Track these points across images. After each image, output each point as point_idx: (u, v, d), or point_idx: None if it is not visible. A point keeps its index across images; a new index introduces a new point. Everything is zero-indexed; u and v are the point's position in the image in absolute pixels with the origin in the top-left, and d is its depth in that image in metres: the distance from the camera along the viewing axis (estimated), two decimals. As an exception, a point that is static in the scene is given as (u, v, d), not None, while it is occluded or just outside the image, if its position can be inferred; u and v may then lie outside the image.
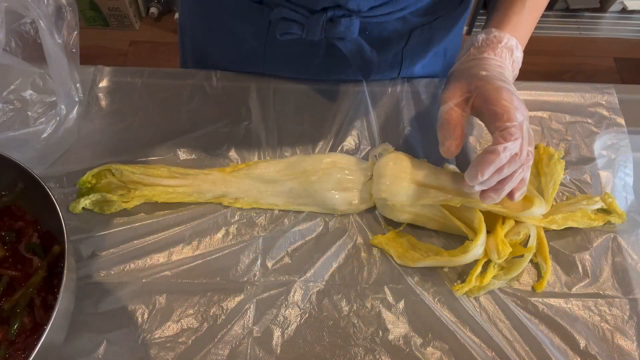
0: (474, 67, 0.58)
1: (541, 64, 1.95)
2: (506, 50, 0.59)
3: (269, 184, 0.64)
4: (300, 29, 0.64)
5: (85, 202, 0.61)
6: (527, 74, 0.74)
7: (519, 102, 0.54)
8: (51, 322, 0.43)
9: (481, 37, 0.60)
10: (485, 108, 0.54)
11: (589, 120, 0.72)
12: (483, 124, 0.71)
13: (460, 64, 0.60)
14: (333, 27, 0.63)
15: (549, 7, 2.04)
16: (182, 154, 0.67)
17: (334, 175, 0.63)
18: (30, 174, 0.51)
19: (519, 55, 0.60)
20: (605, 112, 0.73)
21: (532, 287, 0.59)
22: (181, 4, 0.82)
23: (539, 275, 0.60)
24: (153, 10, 2.01)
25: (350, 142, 0.69)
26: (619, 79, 1.97)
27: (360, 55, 0.66)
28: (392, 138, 0.69)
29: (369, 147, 0.68)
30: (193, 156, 0.67)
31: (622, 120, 0.72)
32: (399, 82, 0.74)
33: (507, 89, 0.54)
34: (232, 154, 0.68)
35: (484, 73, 0.56)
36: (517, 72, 0.61)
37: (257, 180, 0.64)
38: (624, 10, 2.09)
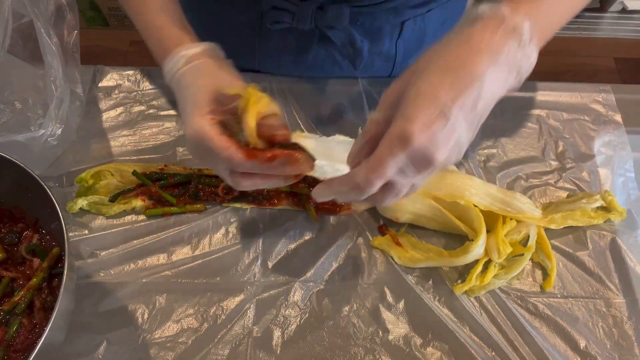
0: (436, 61, 0.40)
1: (541, 64, 1.91)
2: (510, 40, 0.40)
3: None
4: (291, 18, 0.64)
5: (82, 202, 0.61)
6: (526, 74, 0.73)
7: (418, 151, 0.38)
8: (51, 323, 0.43)
9: (483, 10, 0.41)
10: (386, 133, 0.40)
11: (586, 118, 0.72)
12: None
13: (441, 42, 0.42)
14: (323, 15, 0.63)
15: (549, 7, 2.04)
16: (181, 153, 0.67)
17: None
18: (30, 175, 0.51)
19: (530, 48, 0.41)
20: (602, 110, 0.73)
21: (541, 286, 0.59)
22: None
23: (540, 275, 0.60)
24: (153, 10, 2.01)
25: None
26: (619, 79, 1.96)
27: (351, 44, 0.66)
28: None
29: None
30: (190, 156, 0.67)
31: (619, 118, 0.72)
32: (395, 79, 0.74)
33: (414, 127, 0.37)
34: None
35: (424, 87, 0.39)
36: (524, 70, 0.43)
37: None
38: (624, 10, 2.09)
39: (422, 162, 0.39)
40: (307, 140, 0.57)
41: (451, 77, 0.39)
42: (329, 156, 0.54)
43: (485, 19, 0.40)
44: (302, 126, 0.70)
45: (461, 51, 0.40)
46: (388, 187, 0.42)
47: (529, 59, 0.42)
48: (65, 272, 0.45)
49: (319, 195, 0.46)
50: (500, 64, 0.40)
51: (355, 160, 0.44)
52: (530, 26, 0.41)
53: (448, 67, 0.39)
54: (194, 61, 0.50)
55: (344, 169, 0.47)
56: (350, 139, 0.61)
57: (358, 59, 0.67)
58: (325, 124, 0.70)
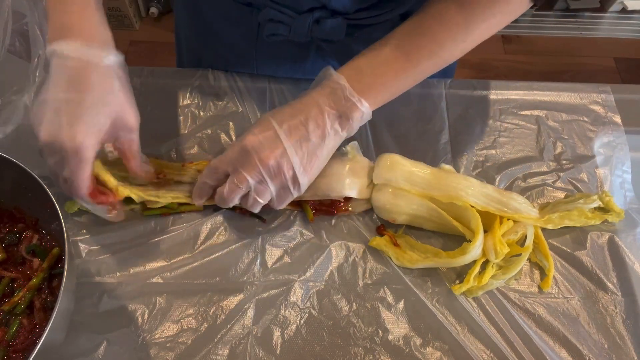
0: (283, 106, 0.55)
1: (541, 64, 1.95)
2: (330, 92, 0.53)
3: None
4: (287, 30, 0.64)
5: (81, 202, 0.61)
6: (527, 74, 0.74)
7: (253, 155, 0.52)
8: (51, 323, 0.43)
9: (320, 73, 0.55)
10: None
11: (585, 119, 0.72)
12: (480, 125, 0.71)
13: None
14: (320, 29, 0.63)
15: (549, 7, 2.04)
16: (180, 153, 0.68)
17: (344, 162, 0.62)
18: (30, 175, 0.51)
19: (346, 95, 0.52)
20: (601, 111, 0.73)
21: (539, 287, 0.59)
22: (175, 6, 0.82)
23: (538, 275, 0.60)
24: (153, 10, 2.01)
25: (343, 141, 0.69)
26: (619, 79, 1.97)
27: (348, 57, 0.66)
28: (385, 138, 0.70)
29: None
30: (190, 155, 0.67)
31: (618, 119, 0.72)
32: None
33: (247, 138, 0.52)
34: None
35: (267, 115, 0.54)
36: (351, 117, 0.53)
37: None
38: (624, 10, 2.09)
39: (247, 160, 0.51)
40: None
41: (283, 111, 0.53)
42: None
43: (319, 80, 0.55)
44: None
45: (297, 100, 0.54)
46: (228, 181, 0.54)
47: (358, 108, 0.53)
48: (65, 272, 0.46)
49: (195, 198, 0.60)
50: (321, 106, 0.52)
51: None
52: (349, 82, 0.53)
53: (284, 107, 0.54)
54: (108, 70, 0.50)
55: None
56: None
57: None
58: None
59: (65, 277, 0.45)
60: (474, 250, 0.57)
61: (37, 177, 0.51)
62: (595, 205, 0.62)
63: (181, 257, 0.60)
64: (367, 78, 0.53)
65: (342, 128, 0.54)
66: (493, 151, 0.69)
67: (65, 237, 0.48)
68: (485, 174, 0.67)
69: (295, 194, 0.54)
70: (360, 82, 0.53)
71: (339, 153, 0.63)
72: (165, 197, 0.61)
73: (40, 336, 0.43)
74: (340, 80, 0.53)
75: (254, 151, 0.51)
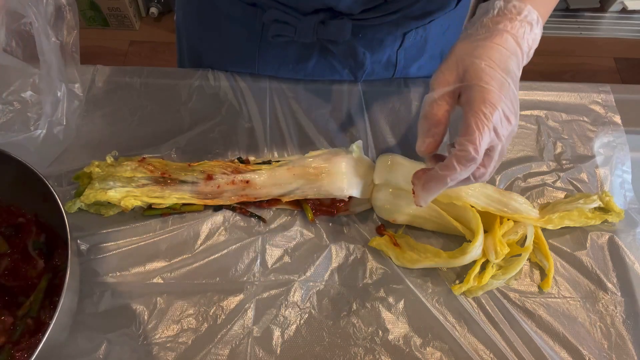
0: (478, 47, 0.48)
1: (541, 64, 1.95)
2: (526, 25, 0.49)
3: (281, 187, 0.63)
4: (292, 31, 0.64)
5: (81, 202, 0.61)
6: (526, 74, 0.74)
7: (504, 114, 0.46)
8: (54, 320, 0.43)
9: (499, 4, 0.50)
10: (465, 111, 0.47)
11: (585, 119, 0.72)
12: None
13: (466, 35, 0.51)
14: (325, 30, 0.63)
15: (549, 7, 2.04)
16: (180, 153, 0.67)
17: (349, 161, 0.62)
18: (32, 171, 0.51)
19: (538, 32, 0.50)
20: (601, 111, 0.73)
21: (539, 287, 0.59)
22: (177, 5, 0.82)
23: (538, 275, 0.60)
24: (153, 10, 2.01)
25: (345, 141, 0.69)
26: (619, 79, 1.97)
27: (353, 57, 0.66)
28: (386, 138, 0.70)
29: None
30: (190, 155, 0.67)
31: (618, 119, 0.72)
32: (394, 82, 0.75)
33: (494, 93, 0.46)
34: (230, 152, 0.68)
35: (483, 64, 0.47)
36: (532, 52, 0.51)
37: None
38: (624, 10, 2.09)
39: (503, 123, 0.46)
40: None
41: (491, 54, 0.47)
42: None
43: (503, 12, 0.49)
44: (304, 128, 0.70)
45: (491, 35, 0.49)
46: (490, 150, 0.47)
47: (536, 37, 0.50)
48: (69, 270, 0.46)
49: (427, 195, 0.49)
50: (521, 44, 0.49)
51: (429, 141, 0.49)
52: (537, 12, 0.49)
53: (484, 46, 0.48)
54: None
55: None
56: (322, 151, 0.65)
57: (359, 71, 0.67)
58: (324, 125, 0.71)
59: (68, 275, 0.45)
60: (474, 251, 0.57)
61: (41, 176, 0.50)
62: (595, 205, 0.62)
63: (181, 257, 0.60)
64: (540, 8, 0.51)
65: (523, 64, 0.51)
66: (493, 151, 0.69)
67: (69, 234, 0.48)
68: (485, 174, 0.67)
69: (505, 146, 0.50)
70: (539, 5, 0.50)
71: (344, 151, 0.64)
72: (170, 198, 0.61)
73: (44, 333, 0.43)
74: (532, 14, 0.49)
75: (506, 111, 0.46)
